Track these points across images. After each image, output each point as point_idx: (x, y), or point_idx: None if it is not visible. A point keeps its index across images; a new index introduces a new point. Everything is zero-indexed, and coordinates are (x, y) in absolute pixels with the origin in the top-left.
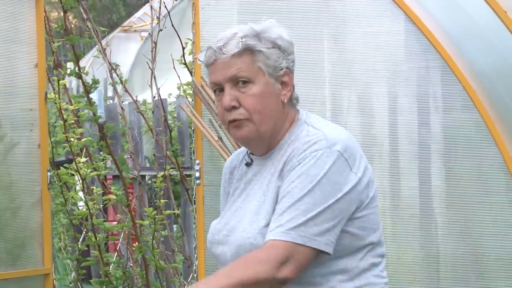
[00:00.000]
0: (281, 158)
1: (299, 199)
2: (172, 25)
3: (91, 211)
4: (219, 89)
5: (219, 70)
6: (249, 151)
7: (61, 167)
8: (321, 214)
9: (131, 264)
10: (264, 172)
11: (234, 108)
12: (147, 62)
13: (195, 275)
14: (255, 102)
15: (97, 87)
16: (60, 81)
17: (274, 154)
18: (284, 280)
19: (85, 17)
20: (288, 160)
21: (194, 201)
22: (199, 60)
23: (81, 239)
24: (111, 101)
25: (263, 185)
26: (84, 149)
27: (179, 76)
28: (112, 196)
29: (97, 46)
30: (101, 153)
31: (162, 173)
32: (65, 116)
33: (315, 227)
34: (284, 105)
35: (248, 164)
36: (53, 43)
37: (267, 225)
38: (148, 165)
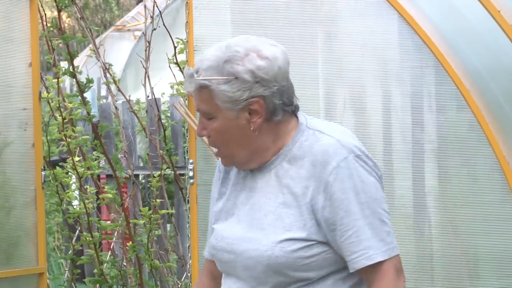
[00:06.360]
0: (298, 172)
1: (364, 216)
2: (164, 25)
3: (87, 210)
4: None
5: (193, 99)
6: None
7: (57, 167)
8: (385, 221)
9: (125, 263)
10: (272, 182)
11: (208, 136)
12: (141, 62)
13: (188, 274)
14: (217, 137)
15: (91, 86)
16: (59, 79)
17: (275, 164)
18: None
19: (79, 16)
20: (317, 176)
21: (188, 200)
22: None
23: (75, 238)
24: (104, 100)
25: (270, 198)
26: (78, 148)
27: (174, 75)
28: (108, 195)
29: (90, 45)
30: (94, 152)
31: (158, 172)
32: (63, 114)
33: (389, 235)
34: (260, 130)
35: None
36: (55, 41)
37: (289, 240)
38: (141, 164)
